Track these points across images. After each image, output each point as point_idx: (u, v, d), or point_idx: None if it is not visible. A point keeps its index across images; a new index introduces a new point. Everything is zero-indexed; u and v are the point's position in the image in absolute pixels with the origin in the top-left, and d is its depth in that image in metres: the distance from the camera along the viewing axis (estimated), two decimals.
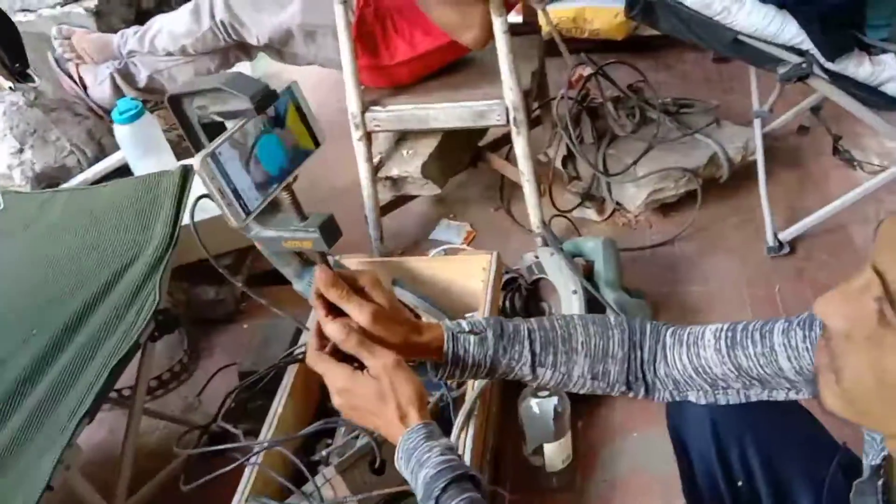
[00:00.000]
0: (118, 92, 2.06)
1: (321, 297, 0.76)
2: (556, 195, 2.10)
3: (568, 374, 0.80)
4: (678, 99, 2.21)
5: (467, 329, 0.80)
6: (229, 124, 0.69)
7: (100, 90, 2.06)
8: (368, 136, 1.94)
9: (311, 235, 0.72)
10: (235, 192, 0.66)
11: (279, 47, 2.00)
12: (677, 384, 0.81)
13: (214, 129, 0.71)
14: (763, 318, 0.78)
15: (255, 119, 0.67)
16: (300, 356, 1.45)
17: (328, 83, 3.13)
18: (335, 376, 0.75)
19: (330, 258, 0.78)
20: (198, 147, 0.72)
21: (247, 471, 1.20)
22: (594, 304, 1.57)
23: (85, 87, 2.08)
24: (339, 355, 0.77)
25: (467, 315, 1.66)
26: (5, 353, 1.33)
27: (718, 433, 0.88)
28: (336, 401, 0.77)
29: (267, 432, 1.30)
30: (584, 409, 1.54)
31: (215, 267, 1.47)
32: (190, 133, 0.72)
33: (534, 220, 1.88)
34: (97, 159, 1.94)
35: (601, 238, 1.65)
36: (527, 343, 0.79)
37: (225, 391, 1.75)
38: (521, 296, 1.68)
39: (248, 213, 0.67)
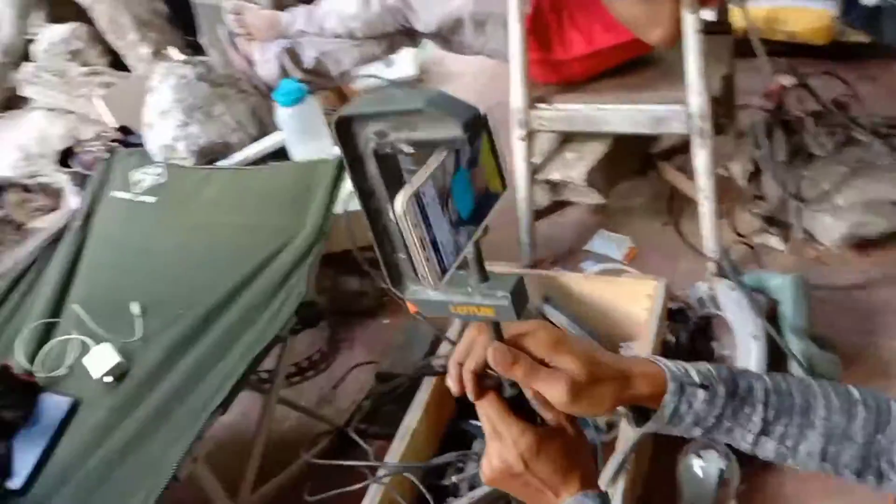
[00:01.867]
0: (283, 72, 2.05)
1: (476, 373, 0.64)
2: (736, 216, 1.88)
3: (793, 449, 0.66)
4: (890, 118, 1.91)
5: (697, 379, 0.65)
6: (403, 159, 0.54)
7: (266, 68, 2.05)
8: (531, 135, 1.81)
9: (499, 302, 0.58)
10: (435, 244, 0.51)
11: (447, 35, 1.90)
12: None
13: (386, 163, 0.55)
14: None
15: (454, 153, 0.52)
16: (439, 368, 1.36)
17: (487, 75, 3.03)
18: (522, 435, 0.64)
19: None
20: (361, 184, 0.56)
21: (371, 490, 1.13)
22: (774, 353, 1.36)
23: (251, 64, 2.08)
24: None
25: (622, 344, 1.50)
26: (150, 332, 1.33)
27: None
28: (504, 462, 0.65)
29: (399, 448, 1.22)
30: (747, 473, 1.33)
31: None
32: (355, 165, 0.55)
33: (710, 244, 1.68)
34: (257, 138, 1.93)
35: (791, 275, 1.43)
36: (760, 407, 0.65)
37: (360, 387, 1.71)
38: (689, 331, 1.50)
39: (444, 271, 0.53)
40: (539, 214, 1.98)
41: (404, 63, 3.08)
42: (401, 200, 0.49)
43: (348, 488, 1.10)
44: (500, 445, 0.65)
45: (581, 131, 1.79)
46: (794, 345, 1.36)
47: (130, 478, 1.10)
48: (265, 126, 1.99)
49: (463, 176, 0.54)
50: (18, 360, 1.31)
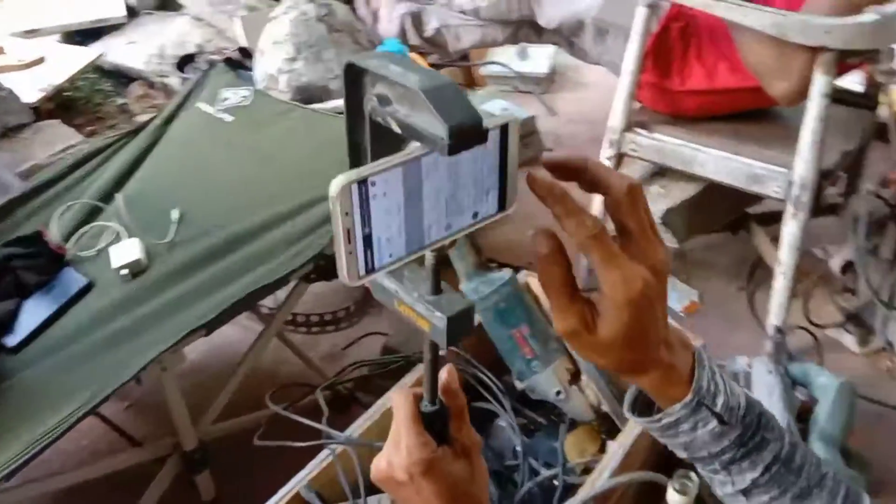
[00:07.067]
0: (403, 34, 2.05)
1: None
2: (817, 303, 1.72)
3: None
4: None
5: (719, 408, 0.54)
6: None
7: (388, 27, 2.06)
8: (620, 158, 1.72)
9: (435, 321, 0.52)
10: (367, 239, 0.47)
11: (568, 36, 1.84)
12: None
13: (378, 131, 0.50)
14: None
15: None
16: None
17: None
18: (418, 449, 0.59)
19: None
20: (355, 139, 0.51)
21: (320, 455, 1.10)
22: None
23: (376, 20, 2.10)
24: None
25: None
26: (179, 239, 1.36)
27: None
28: (391, 468, 0.60)
29: (362, 424, 1.18)
30: None
31: None
32: (354, 119, 0.50)
33: (772, 320, 1.54)
34: None
35: (840, 380, 1.28)
36: (759, 468, 0.56)
37: (369, 354, 1.69)
38: None
39: (368, 271, 0.47)
40: None
41: (539, 59, 3.02)
42: (337, 184, 0.43)
43: (298, 443, 1.08)
44: (395, 450, 0.61)
45: (673, 168, 1.68)
46: (819, 450, 1.22)
47: (104, 368, 1.13)
48: None
49: None
50: (54, 231, 1.38)
